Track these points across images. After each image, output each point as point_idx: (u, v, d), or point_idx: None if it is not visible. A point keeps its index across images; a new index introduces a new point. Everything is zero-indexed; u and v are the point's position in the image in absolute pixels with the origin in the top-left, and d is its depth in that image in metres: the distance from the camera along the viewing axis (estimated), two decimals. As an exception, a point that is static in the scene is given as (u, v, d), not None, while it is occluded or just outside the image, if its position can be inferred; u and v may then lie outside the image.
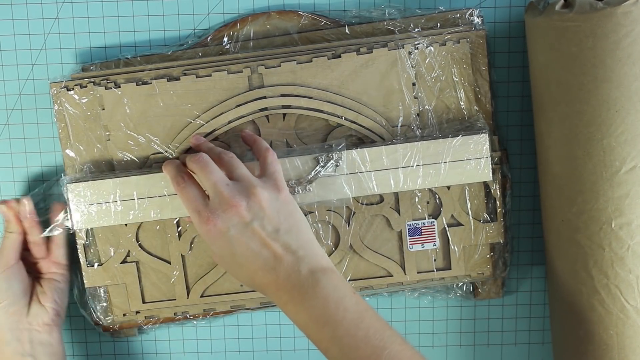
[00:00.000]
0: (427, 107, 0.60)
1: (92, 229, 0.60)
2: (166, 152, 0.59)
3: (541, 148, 0.58)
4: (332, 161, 0.57)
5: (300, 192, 0.58)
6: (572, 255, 0.56)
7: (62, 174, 0.60)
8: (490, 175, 0.58)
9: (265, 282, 0.51)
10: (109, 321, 0.62)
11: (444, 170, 0.58)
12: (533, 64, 0.57)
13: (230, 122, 0.59)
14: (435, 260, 0.61)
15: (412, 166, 0.58)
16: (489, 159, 0.58)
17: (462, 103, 0.60)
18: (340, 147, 0.58)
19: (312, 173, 0.57)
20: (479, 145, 0.58)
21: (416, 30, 0.59)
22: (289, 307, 0.50)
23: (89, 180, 0.58)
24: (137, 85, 0.59)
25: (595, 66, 0.51)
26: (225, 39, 0.60)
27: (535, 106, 0.58)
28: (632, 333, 0.54)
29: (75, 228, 0.59)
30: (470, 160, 0.58)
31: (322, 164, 0.57)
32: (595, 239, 0.54)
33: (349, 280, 0.61)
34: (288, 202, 0.53)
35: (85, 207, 0.58)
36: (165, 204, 0.58)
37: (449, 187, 0.60)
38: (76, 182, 0.58)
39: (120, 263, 0.61)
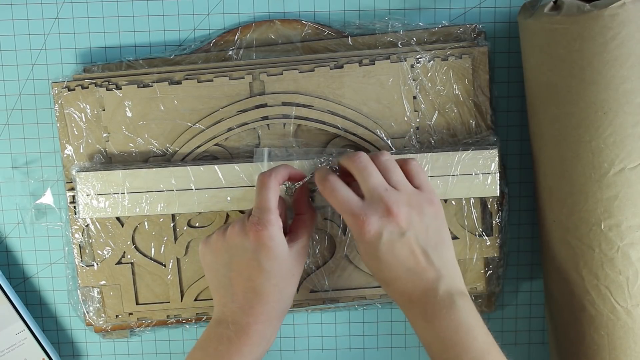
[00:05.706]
0: (427, 121, 0.59)
1: (88, 229, 0.60)
2: (165, 155, 0.59)
3: (534, 150, 0.58)
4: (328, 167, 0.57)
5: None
6: (563, 256, 0.56)
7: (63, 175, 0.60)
8: (497, 191, 0.58)
9: (400, 291, 0.51)
10: (101, 322, 0.62)
11: (451, 183, 0.58)
12: (525, 66, 0.57)
13: (230, 129, 0.59)
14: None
15: None
16: (497, 174, 0.58)
17: (462, 118, 0.59)
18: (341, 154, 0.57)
19: (308, 176, 0.57)
20: (489, 161, 0.58)
21: (419, 44, 0.59)
22: (419, 321, 0.51)
23: (98, 171, 0.58)
24: (138, 87, 0.59)
25: (583, 68, 0.51)
26: (228, 46, 0.60)
27: (528, 108, 0.58)
28: (622, 334, 0.54)
29: (82, 217, 0.59)
30: (478, 175, 0.58)
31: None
32: (585, 240, 0.54)
33: (343, 290, 0.62)
34: (438, 218, 0.52)
35: (93, 197, 0.58)
36: (173, 199, 0.58)
37: (446, 200, 0.60)
38: (85, 171, 0.58)
39: (116, 264, 0.61)
